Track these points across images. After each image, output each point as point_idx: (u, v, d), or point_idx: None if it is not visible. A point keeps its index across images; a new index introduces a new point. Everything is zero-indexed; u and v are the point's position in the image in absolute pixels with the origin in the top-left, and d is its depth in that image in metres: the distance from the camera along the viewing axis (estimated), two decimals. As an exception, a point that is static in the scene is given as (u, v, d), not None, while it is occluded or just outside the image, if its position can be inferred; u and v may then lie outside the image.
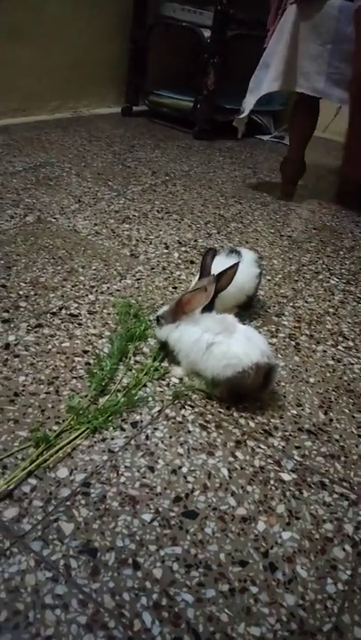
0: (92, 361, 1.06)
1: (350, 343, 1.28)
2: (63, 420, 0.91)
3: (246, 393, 1.00)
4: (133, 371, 1.05)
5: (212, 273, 1.07)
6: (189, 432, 0.93)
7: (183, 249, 1.61)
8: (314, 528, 0.80)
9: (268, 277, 1.53)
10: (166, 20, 2.91)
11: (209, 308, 1.05)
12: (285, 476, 0.88)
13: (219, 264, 1.10)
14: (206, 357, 0.99)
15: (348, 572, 0.74)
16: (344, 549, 0.77)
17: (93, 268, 1.41)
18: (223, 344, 0.98)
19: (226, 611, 0.67)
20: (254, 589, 0.70)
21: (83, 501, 0.78)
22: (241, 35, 2.77)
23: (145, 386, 1.02)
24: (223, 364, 0.97)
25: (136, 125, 2.97)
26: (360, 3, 1.62)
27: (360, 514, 0.83)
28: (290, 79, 1.92)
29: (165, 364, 1.09)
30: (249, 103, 2.01)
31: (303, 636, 0.66)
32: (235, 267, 1.08)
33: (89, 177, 2.05)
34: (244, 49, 2.74)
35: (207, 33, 2.71)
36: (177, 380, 1.05)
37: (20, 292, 1.25)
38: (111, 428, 0.91)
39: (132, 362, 1.08)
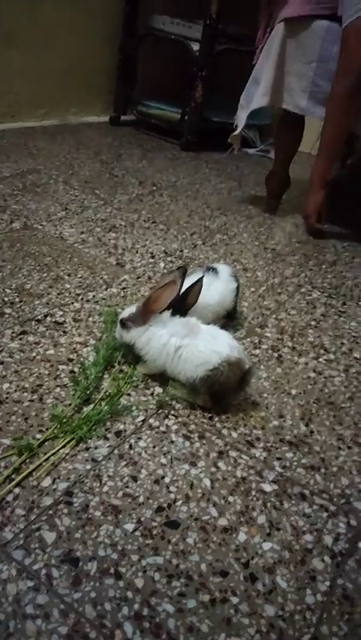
0: (76, 369, 1.06)
1: (331, 356, 1.30)
2: (47, 429, 0.91)
3: (225, 391, 1.01)
4: (119, 381, 1.05)
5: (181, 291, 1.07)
6: (172, 442, 0.94)
7: (169, 259, 1.62)
8: (294, 539, 0.81)
9: (252, 289, 1.55)
10: (156, 32, 2.94)
11: (182, 312, 1.06)
12: (267, 487, 0.89)
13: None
14: (176, 362, 1.01)
15: (327, 583, 0.75)
16: (323, 560, 0.79)
17: (79, 275, 1.42)
18: (191, 346, 1.00)
19: (206, 621, 0.68)
20: (235, 600, 0.71)
21: (65, 510, 0.78)
22: (229, 49, 2.81)
23: (129, 395, 1.03)
24: (194, 365, 0.99)
25: (124, 135, 2.98)
26: (349, 20, 1.67)
27: (339, 525, 0.85)
28: (277, 95, 1.96)
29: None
30: (241, 119, 2.04)
31: (282, 646, 0.67)
32: (199, 282, 1.07)
33: (76, 185, 2.06)
34: (232, 63, 2.79)
35: (196, 46, 2.74)
36: (160, 390, 1.06)
37: (5, 299, 1.25)
38: (95, 437, 0.91)
39: (117, 371, 1.08)
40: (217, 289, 1.20)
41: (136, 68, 3.05)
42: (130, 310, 1.07)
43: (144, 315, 1.04)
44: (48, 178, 2.06)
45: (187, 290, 1.06)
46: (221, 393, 1.01)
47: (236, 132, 2.08)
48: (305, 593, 0.73)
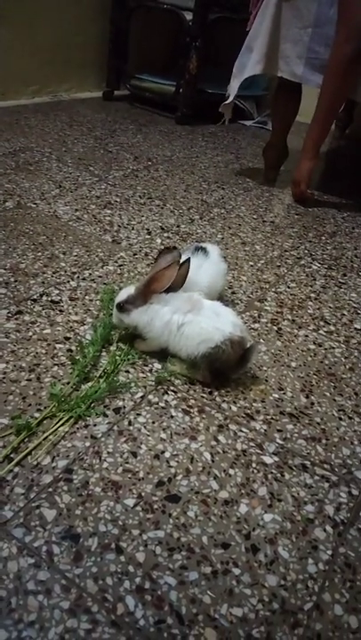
0: (73, 348, 1.05)
1: (331, 328, 1.28)
2: (45, 407, 0.90)
3: (226, 369, 1.00)
4: (117, 357, 1.04)
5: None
6: (172, 417, 0.93)
7: (166, 235, 1.60)
8: (295, 510, 0.81)
9: (251, 263, 1.53)
10: (148, 3, 2.86)
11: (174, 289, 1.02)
12: (267, 459, 0.88)
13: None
14: (178, 339, 1.00)
15: (329, 552, 0.75)
16: (325, 530, 0.78)
17: (74, 254, 1.40)
18: (193, 323, 0.98)
19: (208, 592, 0.68)
20: (237, 571, 0.71)
21: (65, 488, 0.77)
22: (223, 18, 2.73)
23: (127, 372, 1.02)
24: (196, 342, 0.98)
25: (117, 110, 2.93)
26: None
27: (341, 495, 0.84)
28: (272, 63, 1.91)
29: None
30: (233, 88, 1.99)
31: (285, 615, 0.67)
32: (185, 264, 1.03)
33: (70, 162, 2.02)
34: (226, 33, 2.72)
35: (189, 16, 2.67)
36: (159, 366, 1.05)
37: (0, 279, 1.23)
38: (94, 415, 0.91)
39: (115, 349, 1.07)
40: (207, 271, 1.14)
41: (128, 40, 2.97)
42: (126, 292, 1.03)
43: (144, 295, 1.01)
44: (41, 155, 2.03)
45: None
46: (222, 370, 1.00)
47: (228, 102, 2.03)
48: (307, 562, 0.73)
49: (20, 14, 2.52)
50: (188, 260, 1.03)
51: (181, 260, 1.02)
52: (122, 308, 1.03)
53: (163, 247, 1.05)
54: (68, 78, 2.96)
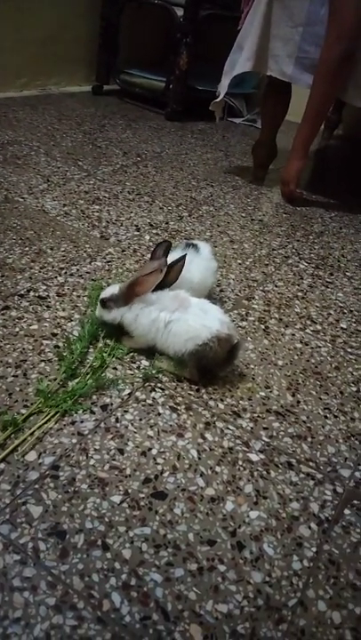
0: (61, 344, 1.05)
1: (318, 327, 1.29)
2: (31, 404, 0.90)
3: (213, 366, 1.01)
4: (104, 354, 1.04)
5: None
6: (159, 414, 0.93)
7: (154, 231, 1.59)
8: (281, 507, 0.81)
9: (239, 261, 1.54)
10: (138, -3, 2.85)
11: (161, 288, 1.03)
12: (253, 457, 0.89)
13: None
14: (166, 336, 1.00)
15: (314, 550, 0.76)
16: (310, 527, 0.79)
17: (62, 249, 1.39)
18: (181, 320, 0.99)
19: (194, 589, 0.68)
20: (222, 568, 0.71)
21: (52, 484, 0.77)
22: (215, 14, 2.73)
23: (115, 369, 1.02)
24: (183, 339, 0.98)
25: (107, 105, 2.91)
26: None
27: (326, 493, 0.85)
28: (261, 61, 1.91)
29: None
30: (223, 86, 1.99)
31: (269, 611, 0.68)
32: (181, 260, 1.03)
33: (58, 156, 2.01)
34: (217, 29, 2.71)
35: (180, 11, 2.66)
36: (147, 363, 1.05)
37: (-13, 274, 1.22)
38: (81, 411, 0.90)
39: (102, 345, 1.07)
40: (198, 267, 1.15)
41: (118, 35, 2.95)
42: (111, 290, 1.04)
43: (126, 297, 1.02)
44: (29, 149, 2.01)
45: (168, 267, 1.02)
46: (209, 367, 1.01)
47: (218, 100, 2.03)
48: (291, 559, 0.74)
49: (10, 7, 2.49)
50: (183, 258, 1.04)
51: (177, 257, 1.03)
52: (105, 304, 1.04)
53: (161, 240, 1.05)
54: (57, 72, 2.93)
